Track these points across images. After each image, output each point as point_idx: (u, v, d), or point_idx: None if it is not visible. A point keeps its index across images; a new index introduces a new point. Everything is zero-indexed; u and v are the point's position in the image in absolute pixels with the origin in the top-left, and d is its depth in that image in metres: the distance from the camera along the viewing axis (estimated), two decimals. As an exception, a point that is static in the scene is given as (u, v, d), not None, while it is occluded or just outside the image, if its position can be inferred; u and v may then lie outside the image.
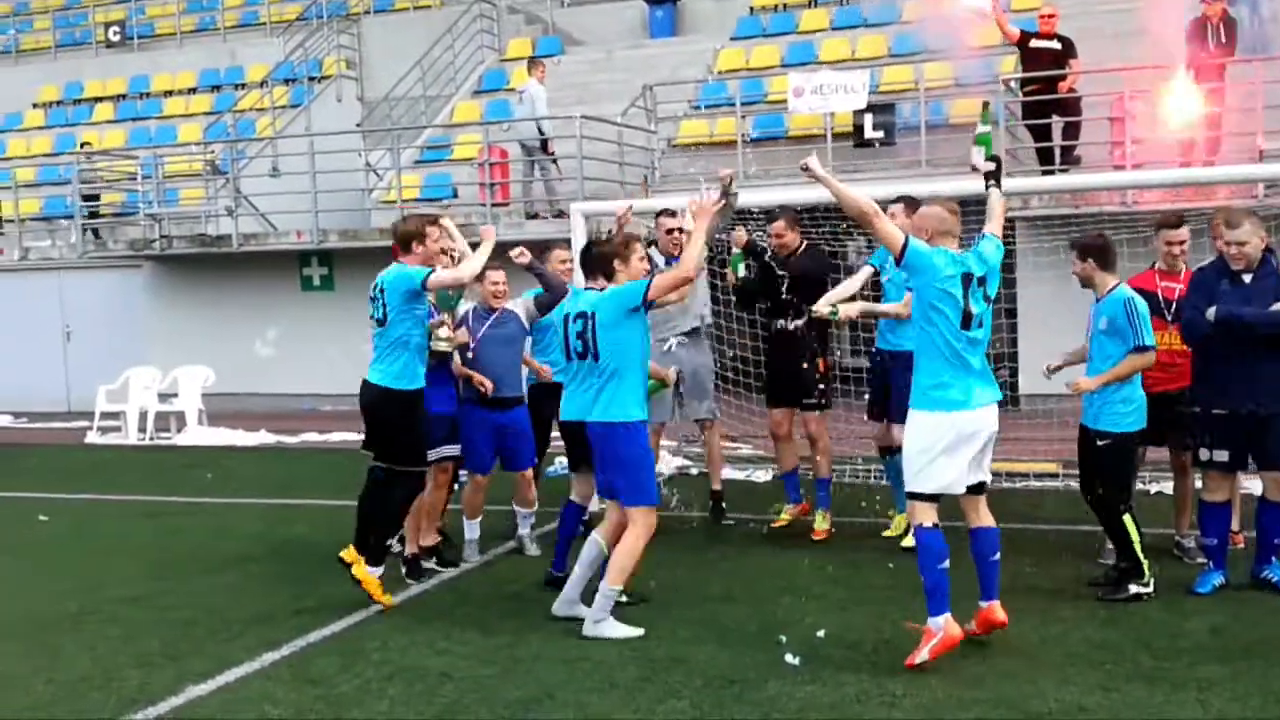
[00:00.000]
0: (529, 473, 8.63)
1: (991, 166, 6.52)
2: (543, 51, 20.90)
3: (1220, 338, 6.87)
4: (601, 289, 6.84)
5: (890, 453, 8.33)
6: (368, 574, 7.18)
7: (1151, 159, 13.25)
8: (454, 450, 8.17)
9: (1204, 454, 7.11)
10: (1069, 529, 8.73)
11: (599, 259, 7.02)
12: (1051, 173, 13.45)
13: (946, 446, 6.01)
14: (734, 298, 9.50)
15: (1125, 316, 6.88)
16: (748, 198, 12.34)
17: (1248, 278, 6.94)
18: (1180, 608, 6.79)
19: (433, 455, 7.81)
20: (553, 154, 16.46)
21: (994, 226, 6.33)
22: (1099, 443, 7.02)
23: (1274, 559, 7.05)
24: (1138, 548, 6.96)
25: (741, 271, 8.77)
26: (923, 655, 5.92)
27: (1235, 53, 13.24)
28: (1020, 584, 7.18)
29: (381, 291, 7.31)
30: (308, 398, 18.05)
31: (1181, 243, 7.66)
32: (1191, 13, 13.22)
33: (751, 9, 20.91)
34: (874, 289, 8.68)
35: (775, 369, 9.03)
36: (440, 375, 7.93)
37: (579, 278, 8.27)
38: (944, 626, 5.95)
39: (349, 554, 7.23)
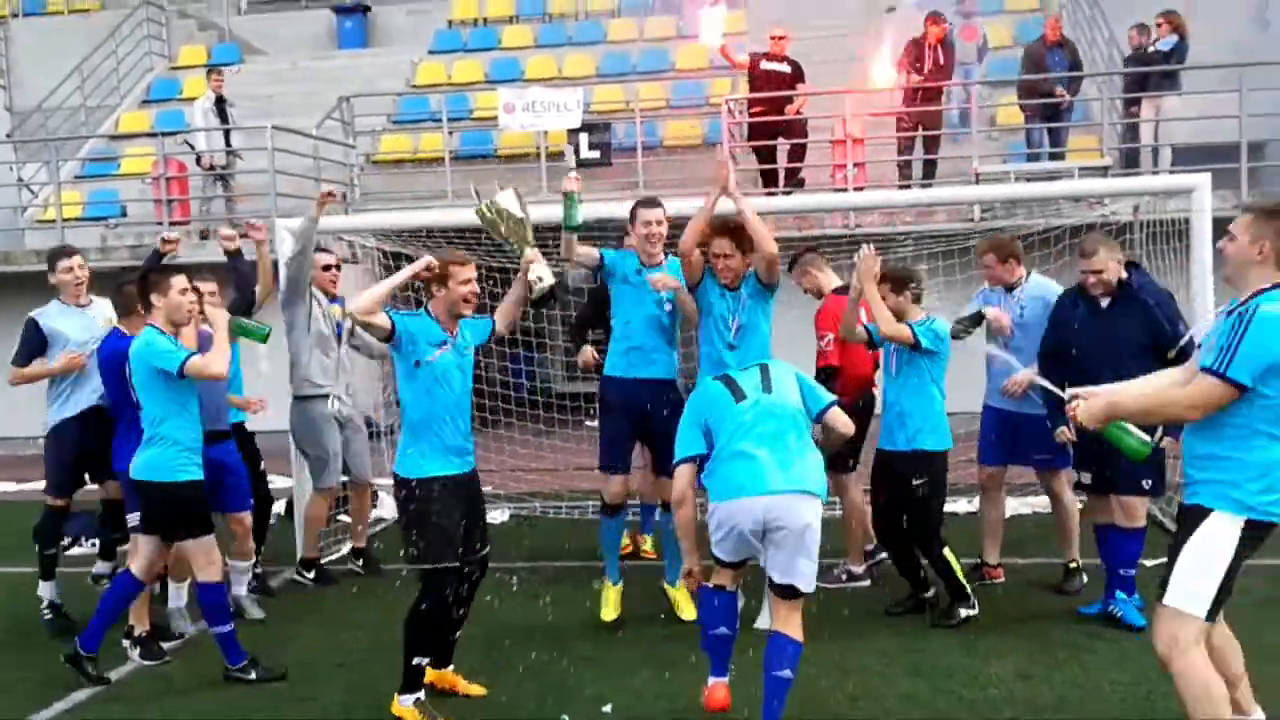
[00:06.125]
0: (247, 519, 7.43)
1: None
2: (219, 59, 19.55)
3: (1080, 362, 6.50)
4: None
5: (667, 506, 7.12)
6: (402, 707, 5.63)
7: (871, 182, 13.32)
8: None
9: (1073, 474, 7.02)
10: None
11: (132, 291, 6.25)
12: (775, 195, 13.23)
13: None
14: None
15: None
16: (456, 217, 11.44)
17: (1105, 303, 6.64)
18: (979, 650, 6.41)
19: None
20: (210, 168, 15.20)
21: None
22: (917, 474, 6.65)
23: (1119, 591, 6.77)
24: (960, 574, 6.82)
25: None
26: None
27: (950, 76, 13.48)
28: (809, 623, 6.57)
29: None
30: (-54, 446, 15.65)
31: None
32: (912, 34, 13.35)
33: (450, 23, 20.09)
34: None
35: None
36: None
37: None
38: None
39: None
